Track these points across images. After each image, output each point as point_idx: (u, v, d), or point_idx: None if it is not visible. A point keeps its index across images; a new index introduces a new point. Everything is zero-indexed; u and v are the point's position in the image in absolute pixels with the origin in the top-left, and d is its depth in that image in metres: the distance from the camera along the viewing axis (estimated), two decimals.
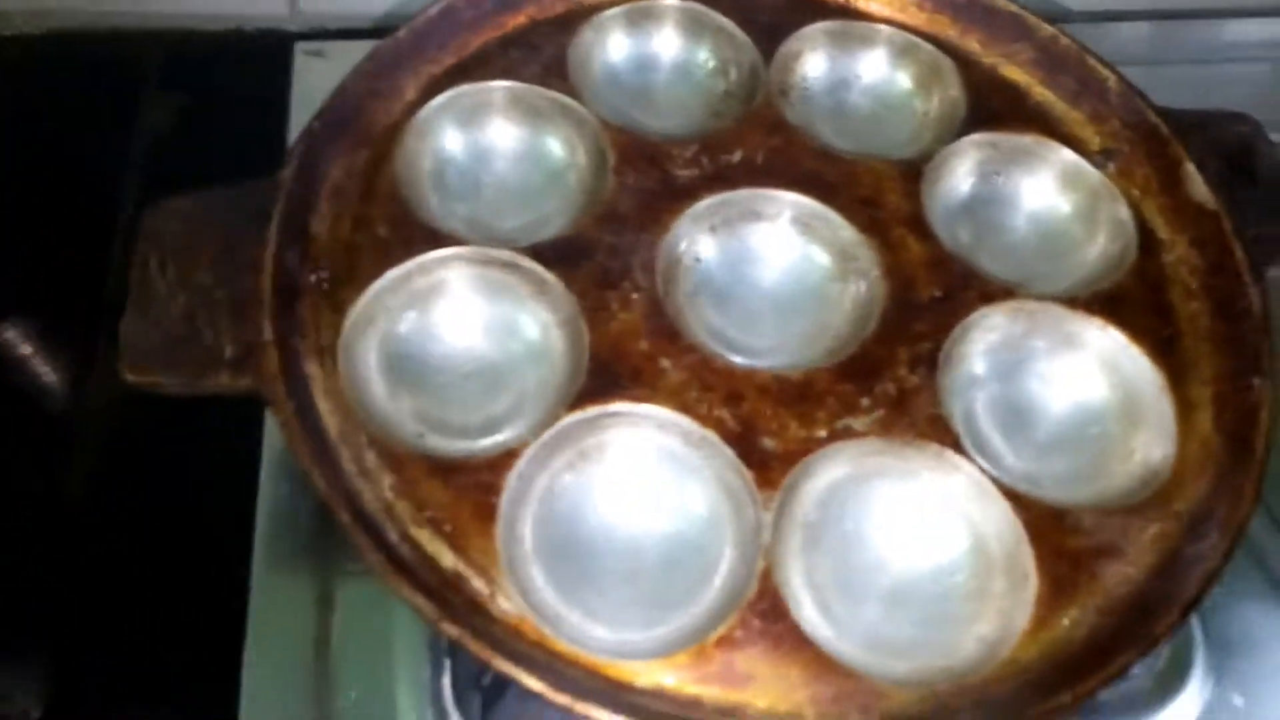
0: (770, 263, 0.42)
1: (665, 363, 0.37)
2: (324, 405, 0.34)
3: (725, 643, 0.32)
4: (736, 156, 0.43)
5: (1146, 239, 0.42)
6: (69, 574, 0.44)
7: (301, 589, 0.40)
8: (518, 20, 0.45)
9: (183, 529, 0.45)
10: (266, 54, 0.59)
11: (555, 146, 0.44)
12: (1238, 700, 0.38)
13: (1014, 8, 0.46)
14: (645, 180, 0.42)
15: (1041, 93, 0.46)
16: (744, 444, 0.35)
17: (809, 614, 0.34)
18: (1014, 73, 0.46)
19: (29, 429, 0.49)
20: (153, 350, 0.33)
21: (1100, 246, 0.42)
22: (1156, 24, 0.60)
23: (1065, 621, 0.33)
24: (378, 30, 0.61)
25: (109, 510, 0.46)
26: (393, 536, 0.33)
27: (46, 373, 0.52)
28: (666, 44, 0.47)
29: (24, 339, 0.53)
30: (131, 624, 0.43)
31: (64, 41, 0.61)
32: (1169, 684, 0.38)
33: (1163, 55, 0.58)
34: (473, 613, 0.31)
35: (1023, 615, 0.33)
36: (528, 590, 0.33)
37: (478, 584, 0.32)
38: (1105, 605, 0.33)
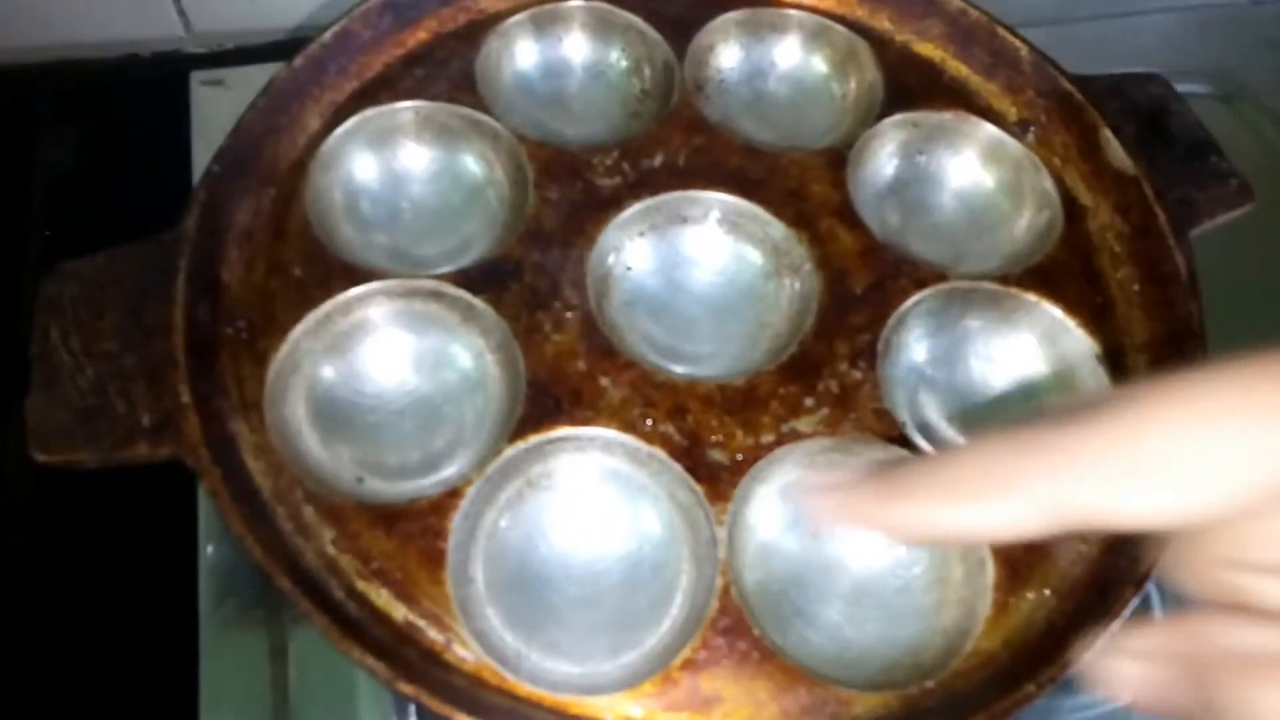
0: (702, 265, 0.41)
1: (605, 381, 0.36)
2: (254, 465, 0.33)
3: (690, 666, 0.31)
4: (658, 160, 0.42)
5: (1070, 207, 0.42)
6: (6, 637, 0.42)
7: (253, 644, 0.38)
8: (418, 37, 0.44)
9: (123, 593, 0.43)
10: (166, 79, 0.56)
11: (471, 165, 0.42)
12: None
13: None
14: (568, 193, 0.41)
15: (956, 67, 0.46)
16: (691, 458, 0.35)
17: (771, 625, 0.33)
18: (927, 49, 0.46)
19: None
20: (63, 427, 0.32)
21: (1027, 219, 0.43)
22: None
23: (1024, 605, 0.33)
24: (279, 46, 0.59)
25: (40, 572, 0.44)
26: (338, 594, 0.31)
27: None
28: (576, 47, 0.46)
29: None
30: (81, 698, 0.41)
31: None
32: None
33: (1068, 13, 0.58)
34: (430, 665, 0.31)
35: (983, 602, 0.33)
36: (484, 633, 0.32)
37: (433, 634, 0.31)
38: (1063, 585, 0.33)
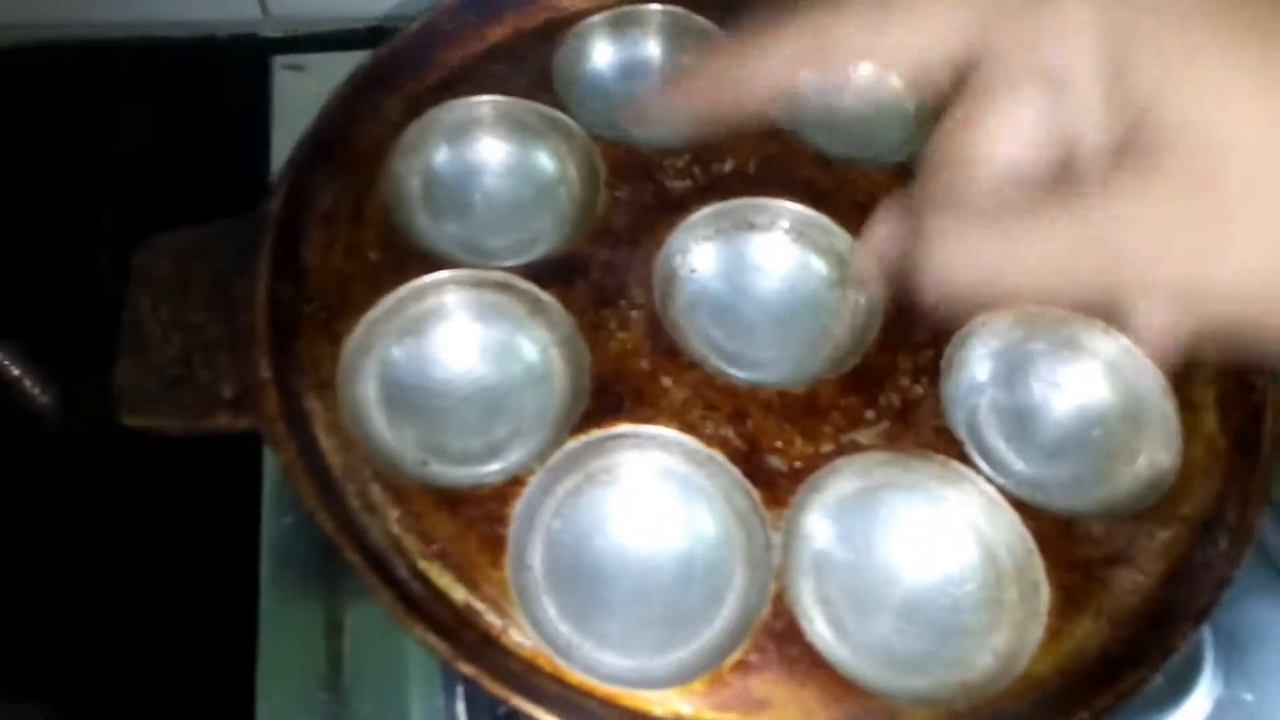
0: (767, 272, 0.42)
1: (667, 381, 0.37)
2: (326, 442, 0.34)
3: (740, 667, 0.32)
4: (729, 166, 0.42)
5: None
6: (65, 606, 0.44)
7: (310, 618, 0.39)
8: (500, 32, 0.45)
9: (183, 557, 0.44)
10: (241, 61, 0.58)
11: (545, 161, 0.43)
12: (1248, 696, 0.38)
13: None
14: (638, 193, 0.41)
15: None
16: (750, 462, 0.35)
17: (822, 631, 0.33)
18: None
19: (22, 453, 0.49)
20: (150, 394, 0.33)
21: None
22: None
23: (1079, 632, 0.33)
24: (353, 34, 0.60)
25: (104, 535, 0.46)
26: (402, 572, 0.32)
27: (38, 395, 0.52)
28: (652, 50, 0.47)
29: (13, 361, 0.52)
30: (136, 656, 0.42)
31: (29, 54, 0.60)
32: (1180, 684, 0.38)
33: None
34: (487, 648, 0.31)
35: (1036, 626, 0.33)
36: (540, 620, 0.33)
37: (490, 617, 0.32)
38: (1118, 615, 0.33)
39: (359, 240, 0.39)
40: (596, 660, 0.32)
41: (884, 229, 0.28)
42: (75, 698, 0.41)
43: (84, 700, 0.41)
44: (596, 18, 0.46)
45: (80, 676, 0.42)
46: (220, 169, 0.55)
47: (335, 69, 0.42)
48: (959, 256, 0.24)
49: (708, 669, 0.32)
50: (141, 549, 0.44)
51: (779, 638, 0.32)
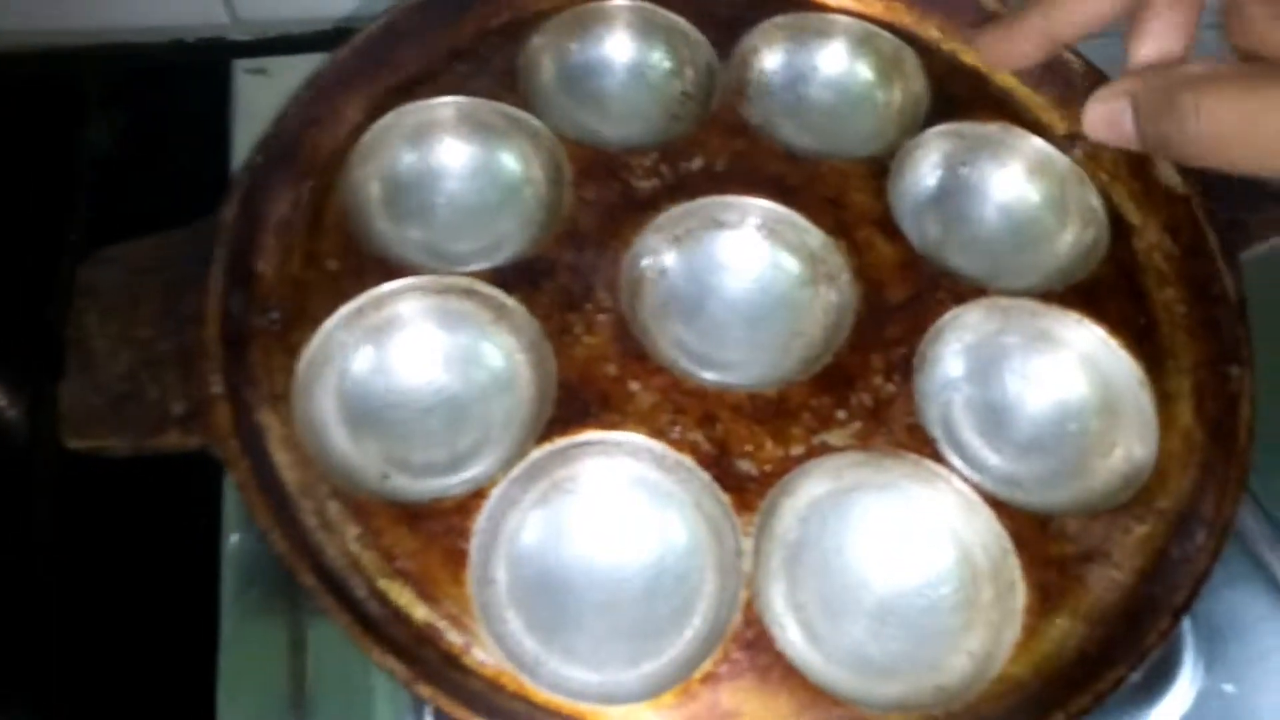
0: (737, 271, 0.41)
1: (635, 386, 0.36)
2: (281, 458, 0.33)
3: (710, 679, 0.31)
4: (697, 164, 0.41)
5: (1117, 225, 0.41)
6: (28, 622, 0.43)
7: (272, 635, 0.39)
8: (463, 32, 0.44)
9: (146, 573, 0.43)
10: (209, 66, 0.57)
11: (510, 162, 0.42)
12: (1229, 688, 0.37)
13: None
14: (605, 194, 0.40)
15: (1004, 78, 0.45)
16: (720, 467, 0.34)
17: (794, 638, 0.33)
18: (975, 59, 0.45)
19: None
20: (95, 413, 0.32)
21: (1072, 235, 0.42)
22: None
23: (1055, 632, 0.32)
24: (322, 36, 0.59)
25: (69, 549, 0.45)
26: (360, 592, 0.31)
27: (4, 408, 0.51)
28: (619, 47, 0.46)
29: None
30: (95, 672, 0.42)
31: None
32: (1161, 676, 0.37)
33: (1121, 26, 0.57)
34: (449, 668, 0.30)
35: (1012, 627, 0.32)
36: (503, 636, 0.32)
37: (452, 636, 0.31)
38: (1094, 613, 0.32)
39: (317, 248, 0.38)
40: (563, 676, 0.32)
41: (1117, 91, 0.32)
42: (33, 712, 0.40)
43: (42, 716, 0.40)
44: (562, 15, 0.45)
45: (40, 692, 0.41)
46: (189, 177, 0.54)
47: (299, 72, 0.41)
48: (1224, 104, 0.28)
49: (678, 681, 0.31)
50: (105, 564, 0.44)
51: (750, 646, 0.31)
